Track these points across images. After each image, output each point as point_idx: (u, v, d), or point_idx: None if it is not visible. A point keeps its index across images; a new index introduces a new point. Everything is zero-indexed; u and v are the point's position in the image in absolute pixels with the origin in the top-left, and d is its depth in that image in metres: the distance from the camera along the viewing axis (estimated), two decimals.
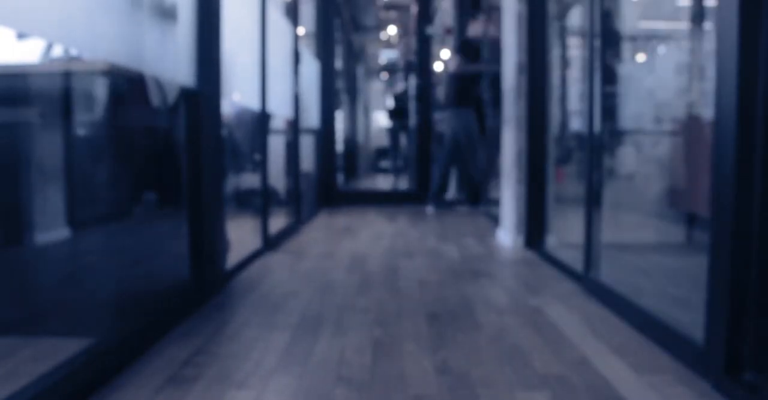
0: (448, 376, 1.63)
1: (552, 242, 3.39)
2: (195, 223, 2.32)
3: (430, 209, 5.55)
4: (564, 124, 3.82)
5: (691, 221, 2.91)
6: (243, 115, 4.23)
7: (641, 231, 3.27)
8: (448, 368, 1.68)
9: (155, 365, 1.69)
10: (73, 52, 2.09)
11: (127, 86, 2.33)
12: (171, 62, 2.14)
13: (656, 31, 3.70)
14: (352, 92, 10.74)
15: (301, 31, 4.84)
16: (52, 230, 2.05)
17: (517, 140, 3.54)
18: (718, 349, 1.50)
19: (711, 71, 1.79)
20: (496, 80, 4.78)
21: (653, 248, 3.16)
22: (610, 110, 3.03)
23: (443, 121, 5.64)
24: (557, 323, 2.09)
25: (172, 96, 2.43)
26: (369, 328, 2.04)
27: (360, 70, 12.29)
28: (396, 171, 8.64)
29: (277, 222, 3.95)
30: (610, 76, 2.95)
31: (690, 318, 1.72)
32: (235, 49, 2.96)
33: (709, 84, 2.37)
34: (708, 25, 2.93)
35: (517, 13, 3.48)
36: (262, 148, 3.58)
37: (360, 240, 3.90)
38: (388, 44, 12.67)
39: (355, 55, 11.37)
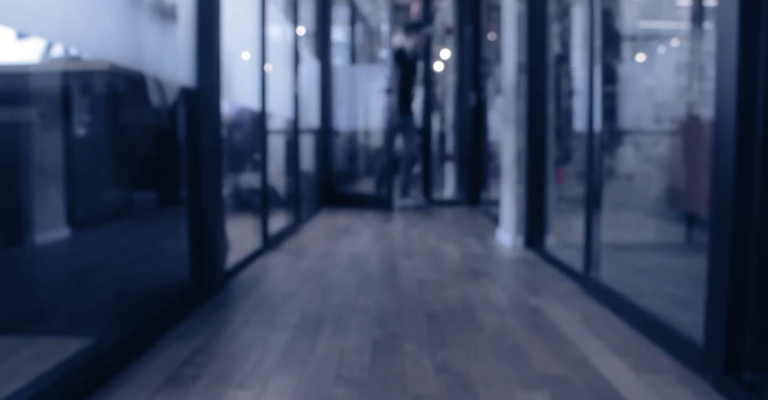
0: (448, 376, 1.63)
1: (552, 241, 3.39)
2: (195, 222, 2.32)
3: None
4: (564, 124, 3.82)
5: (690, 221, 2.91)
6: (243, 114, 4.23)
7: (641, 231, 3.27)
8: (448, 368, 1.68)
9: (155, 364, 1.69)
10: (73, 51, 2.09)
11: (127, 86, 2.33)
12: (171, 62, 2.14)
13: (656, 31, 3.70)
14: (352, 91, 10.74)
15: (301, 31, 4.84)
16: (52, 229, 2.05)
17: (516, 140, 3.54)
18: (718, 349, 1.50)
19: (711, 71, 1.79)
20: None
21: (653, 248, 3.16)
22: (610, 110, 3.03)
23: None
24: (557, 323, 2.10)
25: (171, 96, 2.43)
26: (369, 328, 2.04)
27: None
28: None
29: (277, 222, 3.95)
30: (610, 76, 2.95)
31: (690, 318, 1.72)
32: (235, 49, 2.96)
33: (709, 84, 2.37)
34: (708, 25, 2.93)
35: (517, 13, 3.48)
36: (262, 148, 3.58)
37: (360, 240, 3.90)
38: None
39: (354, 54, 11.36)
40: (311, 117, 5.48)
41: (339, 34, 6.50)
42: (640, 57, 3.66)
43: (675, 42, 3.49)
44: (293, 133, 4.64)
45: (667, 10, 3.60)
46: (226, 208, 2.66)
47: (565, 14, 3.57)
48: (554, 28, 3.48)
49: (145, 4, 1.96)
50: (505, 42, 3.73)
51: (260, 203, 3.53)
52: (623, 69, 3.37)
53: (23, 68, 2.01)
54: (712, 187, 1.55)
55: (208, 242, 2.35)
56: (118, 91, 2.30)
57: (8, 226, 1.94)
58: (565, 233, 3.35)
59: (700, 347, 1.60)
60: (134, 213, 2.44)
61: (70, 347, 1.59)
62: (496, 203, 4.33)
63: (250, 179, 3.97)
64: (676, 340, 1.76)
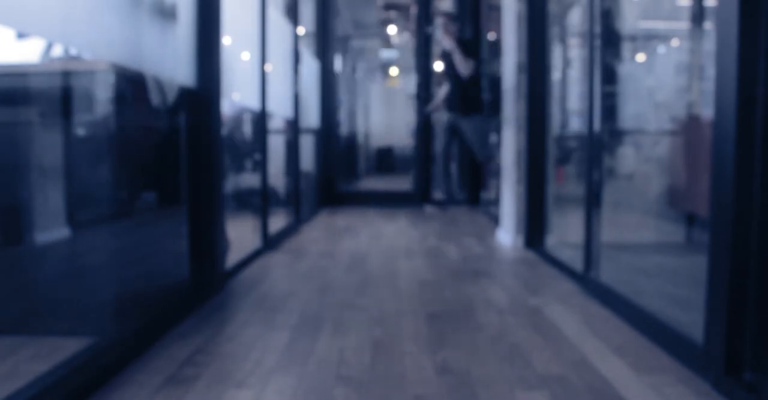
0: (448, 376, 1.63)
1: (552, 241, 3.39)
2: (195, 222, 2.32)
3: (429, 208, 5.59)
4: (564, 124, 3.82)
5: (690, 221, 2.91)
6: (243, 115, 4.23)
7: (641, 231, 3.27)
8: (448, 368, 1.68)
9: (155, 364, 1.69)
10: (73, 51, 2.09)
11: (127, 86, 2.33)
12: (171, 62, 2.14)
13: (656, 31, 3.70)
14: (353, 91, 10.76)
15: (301, 31, 4.84)
16: (52, 229, 2.05)
17: (516, 140, 3.54)
18: (718, 349, 1.50)
19: (711, 71, 1.79)
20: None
21: (653, 247, 3.16)
22: (610, 110, 3.03)
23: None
24: (557, 323, 2.10)
25: (171, 96, 2.43)
26: (369, 328, 2.04)
27: (360, 70, 12.33)
28: None
29: (277, 222, 3.95)
30: (610, 76, 2.96)
31: (690, 318, 1.72)
32: (235, 49, 2.96)
33: (709, 84, 2.37)
34: (708, 25, 2.93)
35: (517, 13, 3.48)
36: (262, 148, 3.58)
37: (360, 240, 3.90)
38: (387, 44, 12.67)
39: (354, 55, 11.40)
40: (311, 117, 5.48)
41: None
42: (640, 57, 3.66)
43: (675, 42, 3.49)
44: (293, 133, 4.64)
45: (667, 10, 3.61)
46: (226, 207, 2.65)
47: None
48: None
49: (145, 4, 1.96)
50: (505, 42, 3.73)
51: (260, 202, 3.53)
52: (623, 69, 3.37)
53: (23, 68, 2.01)
54: (712, 187, 1.55)
55: (208, 242, 2.35)
56: (118, 90, 2.30)
57: (8, 225, 1.94)
58: (564, 233, 3.35)
59: (700, 347, 1.60)
60: (134, 213, 2.44)
61: (70, 347, 1.59)
62: (496, 203, 4.33)
63: (250, 179, 3.96)
64: (676, 340, 1.76)
